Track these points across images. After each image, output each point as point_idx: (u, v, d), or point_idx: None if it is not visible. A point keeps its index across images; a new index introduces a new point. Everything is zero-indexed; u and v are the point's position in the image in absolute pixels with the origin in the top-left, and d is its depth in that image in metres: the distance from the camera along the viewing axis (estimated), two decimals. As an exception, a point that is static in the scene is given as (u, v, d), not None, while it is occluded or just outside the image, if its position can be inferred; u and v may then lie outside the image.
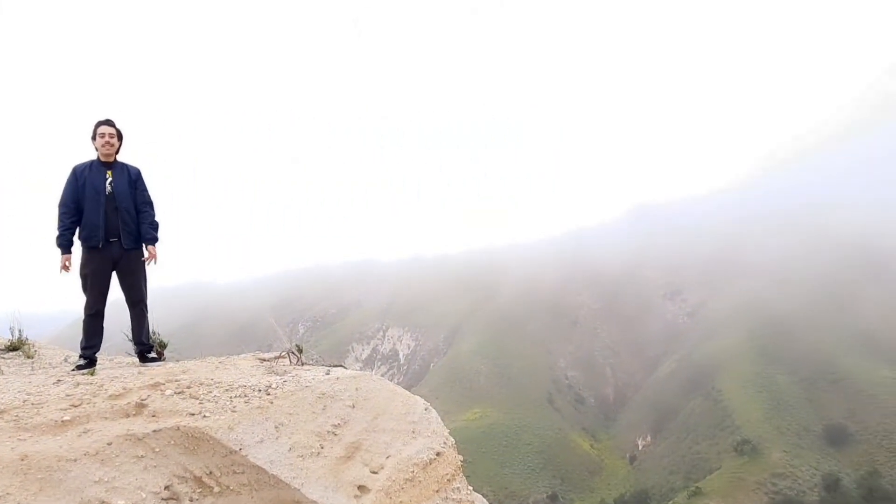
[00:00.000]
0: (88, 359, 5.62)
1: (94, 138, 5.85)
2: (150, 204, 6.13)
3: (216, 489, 3.81)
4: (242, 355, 6.27)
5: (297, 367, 5.82)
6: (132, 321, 6.10)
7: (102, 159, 5.88)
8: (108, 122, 5.90)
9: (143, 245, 6.02)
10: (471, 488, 5.73)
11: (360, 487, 4.31)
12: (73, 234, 5.72)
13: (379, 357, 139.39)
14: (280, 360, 6.16)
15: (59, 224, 5.65)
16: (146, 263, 6.01)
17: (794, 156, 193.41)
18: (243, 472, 3.89)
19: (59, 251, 5.64)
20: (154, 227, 6.09)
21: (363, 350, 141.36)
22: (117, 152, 5.99)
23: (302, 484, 3.96)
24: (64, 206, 5.68)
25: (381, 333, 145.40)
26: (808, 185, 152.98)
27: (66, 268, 5.63)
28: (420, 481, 4.86)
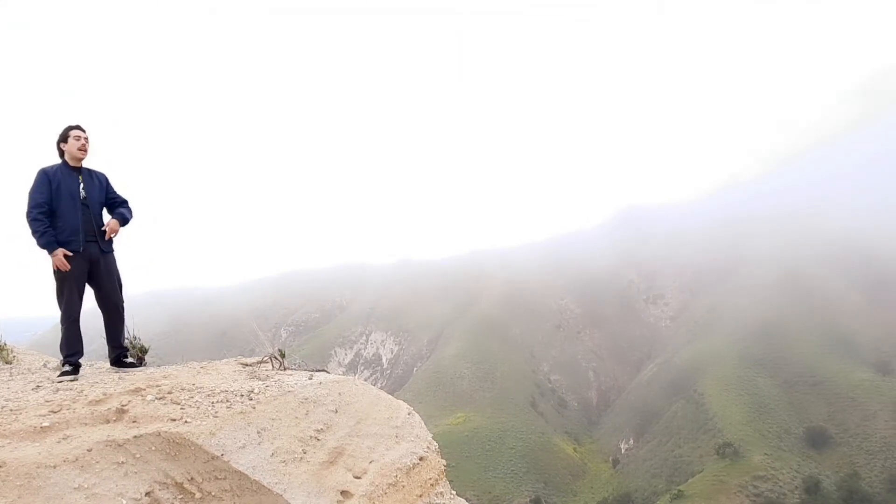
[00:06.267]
0: (74, 365, 5.50)
1: (64, 141, 5.70)
2: (128, 202, 6.10)
3: (198, 495, 3.79)
4: (224, 360, 6.24)
5: (279, 371, 5.80)
6: (110, 324, 5.98)
7: (72, 164, 5.75)
8: (81, 128, 5.79)
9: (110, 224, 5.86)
10: (454, 492, 5.74)
11: (344, 493, 4.30)
12: (55, 232, 5.53)
13: (362, 361, 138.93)
14: (262, 364, 6.13)
15: (38, 225, 5.44)
16: (106, 234, 5.84)
17: (778, 160, 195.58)
18: (225, 478, 3.86)
19: (45, 252, 5.46)
20: (130, 212, 6.04)
21: (346, 354, 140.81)
22: None
23: (284, 489, 3.95)
24: (39, 207, 5.46)
25: (365, 338, 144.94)
26: (791, 189, 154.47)
27: (64, 264, 5.45)
28: (403, 486, 4.86)
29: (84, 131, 5.80)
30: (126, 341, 6.14)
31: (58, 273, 5.56)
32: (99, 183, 5.92)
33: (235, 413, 4.25)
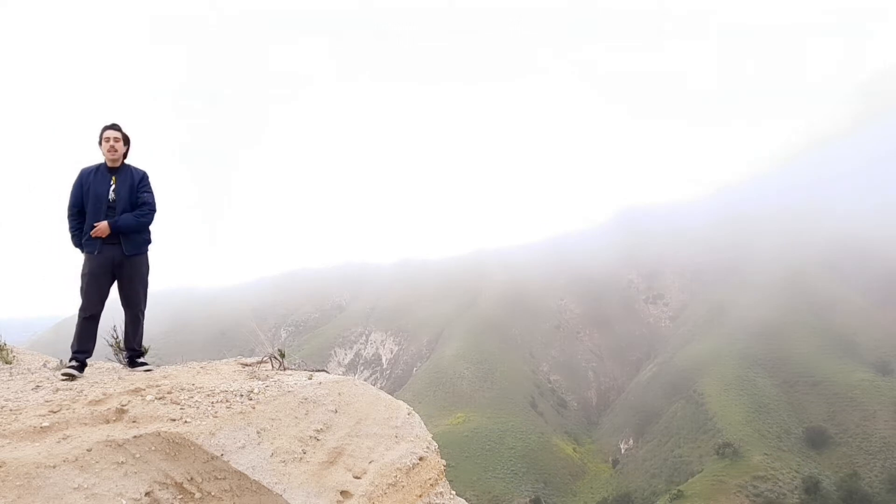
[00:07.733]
0: (80, 363, 5.48)
1: (100, 143, 5.78)
2: (148, 205, 5.88)
3: (197, 495, 3.79)
4: (224, 360, 6.25)
5: (279, 372, 5.80)
6: (127, 325, 6.03)
7: (109, 164, 5.82)
8: (114, 127, 5.82)
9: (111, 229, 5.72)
10: (454, 493, 5.74)
11: (343, 493, 4.30)
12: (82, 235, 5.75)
13: (362, 361, 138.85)
14: (262, 365, 6.13)
15: (70, 226, 5.82)
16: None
17: (779, 160, 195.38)
18: (225, 478, 3.86)
19: (78, 251, 5.83)
20: (139, 222, 5.81)
21: (346, 355, 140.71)
22: (125, 156, 5.91)
23: (284, 489, 3.95)
24: (70, 209, 5.80)
25: (364, 338, 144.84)
26: (791, 189, 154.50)
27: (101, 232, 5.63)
28: (403, 486, 4.86)
29: (117, 130, 5.82)
30: (144, 344, 6.18)
31: (82, 270, 5.70)
32: (132, 182, 5.87)
33: (235, 413, 4.25)
